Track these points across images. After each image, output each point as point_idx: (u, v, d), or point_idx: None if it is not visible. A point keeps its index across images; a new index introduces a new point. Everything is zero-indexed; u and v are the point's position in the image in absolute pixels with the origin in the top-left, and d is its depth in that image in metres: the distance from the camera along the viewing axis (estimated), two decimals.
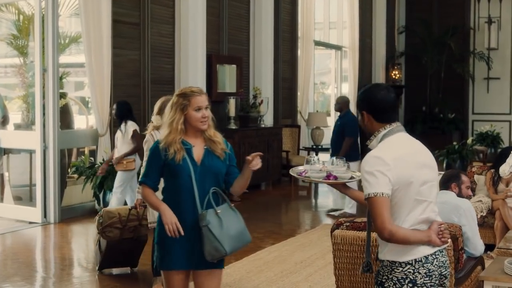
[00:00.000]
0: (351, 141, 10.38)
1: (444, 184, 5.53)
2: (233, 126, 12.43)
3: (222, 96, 12.60)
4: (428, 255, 3.12)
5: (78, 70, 12.65)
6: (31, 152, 10.04)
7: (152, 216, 6.11)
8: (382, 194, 3.05)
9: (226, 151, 4.17)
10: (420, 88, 20.57)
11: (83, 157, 11.83)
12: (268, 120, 13.66)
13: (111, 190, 9.49)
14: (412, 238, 3.07)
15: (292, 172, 3.73)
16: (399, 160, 3.13)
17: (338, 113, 10.91)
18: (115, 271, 7.12)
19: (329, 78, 18.95)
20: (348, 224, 4.80)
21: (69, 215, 9.82)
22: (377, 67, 19.91)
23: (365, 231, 4.69)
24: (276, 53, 14.36)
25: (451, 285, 4.40)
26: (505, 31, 20.50)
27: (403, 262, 3.12)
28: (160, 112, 6.01)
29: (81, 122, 12.38)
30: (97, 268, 7.09)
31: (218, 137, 4.19)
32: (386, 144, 3.23)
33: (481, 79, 20.78)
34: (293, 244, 8.28)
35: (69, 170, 10.63)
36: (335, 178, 3.55)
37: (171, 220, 3.96)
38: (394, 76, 20.08)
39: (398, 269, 3.12)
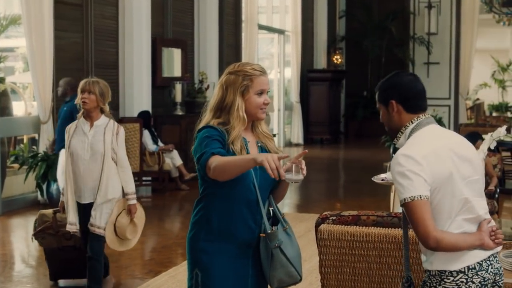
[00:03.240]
0: None
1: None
2: (179, 112, 11.99)
3: (167, 81, 12.14)
4: (482, 261, 2.75)
5: (8, 55, 11.99)
6: None
7: (98, 219, 5.44)
8: (420, 197, 2.69)
9: (279, 150, 3.41)
10: (361, 73, 20.47)
11: (22, 145, 11.25)
12: None
13: (55, 180, 8.99)
14: (462, 243, 2.71)
15: (375, 179, 3.42)
16: (432, 156, 2.76)
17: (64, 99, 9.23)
18: (62, 282, 6.23)
19: (272, 63, 18.64)
20: (334, 218, 4.46)
21: (10, 208, 9.26)
22: (318, 51, 19.70)
23: (353, 226, 4.37)
24: (220, 36, 13.95)
25: None
26: (445, 16, 20.54)
27: (454, 271, 2.75)
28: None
29: (18, 109, 11.75)
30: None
31: (269, 131, 3.43)
32: (415, 140, 2.85)
33: (421, 64, 20.80)
34: None
35: (7, 160, 10.06)
36: None
37: (271, 156, 2.95)
38: (335, 61, 19.91)
39: (449, 279, 2.75)
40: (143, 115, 10.81)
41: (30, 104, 12.55)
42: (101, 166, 5.37)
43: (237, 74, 3.22)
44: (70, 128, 5.43)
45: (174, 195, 10.82)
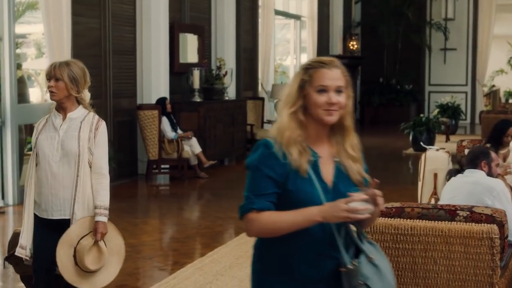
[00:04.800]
0: None
1: (472, 162, 5.02)
2: (197, 99, 11.79)
3: (184, 67, 11.93)
4: None
5: (22, 41, 11.81)
6: None
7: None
8: None
9: (364, 177, 2.71)
10: (376, 59, 20.23)
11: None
12: (231, 92, 13.07)
13: None
14: None
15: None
16: None
17: None
18: None
19: (287, 49, 18.41)
20: None
21: None
22: (334, 37, 19.45)
23: (397, 219, 4.19)
24: (237, 22, 13.73)
25: (496, 277, 3.94)
26: (462, 1, 20.29)
27: None
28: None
29: (34, 95, 11.57)
30: None
31: (358, 150, 2.73)
32: None
33: (438, 50, 20.56)
34: None
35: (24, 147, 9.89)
36: None
37: (339, 207, 2.47)
38: (351, 47, 19.67)
39: None
40: (162, 101, 10.63)
41: (44, 90, 12.39)
42: (76, 170, 4.16)
43: (302, 67, 2.72)
44: (40, 123, 4.27)
45: (193, 183, 10.64)
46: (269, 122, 14.33)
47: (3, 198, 8.77)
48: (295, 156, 2.58)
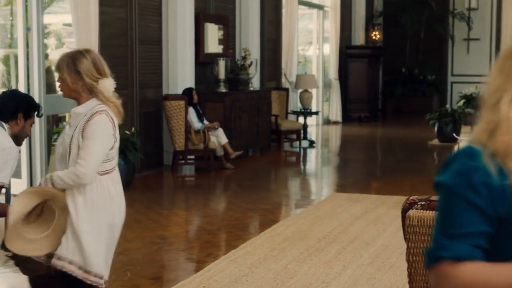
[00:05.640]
0: None
1: None
2: (223, 89, 11.72)
3: (209, 57, 11.87)
4: None
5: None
6: None
7: (65, 248, 3.64)
8: None
9: None
10: (399, 49, 20.06)
11: (64, 123, 11.07)
12: (255, 82, 12.99)
13: None
14: None
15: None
16: None
17: None
18: None
19: (310, 39, 18.30)
20: (423, 203, 4.19)
21: None
22: (357, 27, 19.30)
23: None
24: (262, 12, 13.63)
25: None
26: None
27: None
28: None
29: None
30: None
31: None
32: None
33: (461, 40, 20.37)
34: (308, 217, 7.69)
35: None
36: None
37: None
38: (374, 37, 19.52)
39: None
40: (188, 92, 10.57)
41: None
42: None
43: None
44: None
45: (219, 174, 10.59)
46: (294, 112, 14.26)
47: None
48: None
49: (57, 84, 3.86)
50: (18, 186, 8.75)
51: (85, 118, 3.69)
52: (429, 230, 4.13)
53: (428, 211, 4.18)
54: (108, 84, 3.76)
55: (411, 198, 4.35)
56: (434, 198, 4.31)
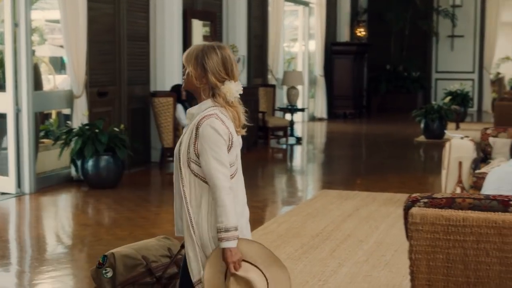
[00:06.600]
0: None
1: None
2: None
3: None
4: None
5: None
6: (1, 116, 9.10)
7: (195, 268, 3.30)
8: None
9: None
10: (383, 46, 20.09)
11: (51, 120, 10.98)
12: (242, 79, 12.94)
13: (91, 156, 8.71)
14: None
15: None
16: None
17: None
18: None
19: (296, 36, 18.27)
20: (426, 200, 4.17)
21: (44, 184, 8.98)
22: (342, 24, 19.30)
23: (448, 209, 4.09)
24: (248, 8, 13.58)
25: None
26: None
27: None
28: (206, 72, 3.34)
29: (45, 83, 11.43)
30: None
31: None
32: None
33: (445, 37, 20.46)
34: (300, 215, 7.66)
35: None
36: None
37: None
38: (359, 34, 19.51)
39: None
40: (176, 88, 10.50)
41: (50, 78, 12.27)
42: (179, 179, 3.34)
43: None
44: None
45: None
46: (281, 109, 14.22)
47: (19, 186, 8.65)
48: None
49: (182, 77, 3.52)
50: (5, 184, 8.66)
51: (193, 123, 3.33)
52: (432, 228, 4.11)
53: (431, 208, 4.17)
54: (233, 88, 3.38)
55: (413, 195, 4.32)
56: (437, 195, 4.29)
